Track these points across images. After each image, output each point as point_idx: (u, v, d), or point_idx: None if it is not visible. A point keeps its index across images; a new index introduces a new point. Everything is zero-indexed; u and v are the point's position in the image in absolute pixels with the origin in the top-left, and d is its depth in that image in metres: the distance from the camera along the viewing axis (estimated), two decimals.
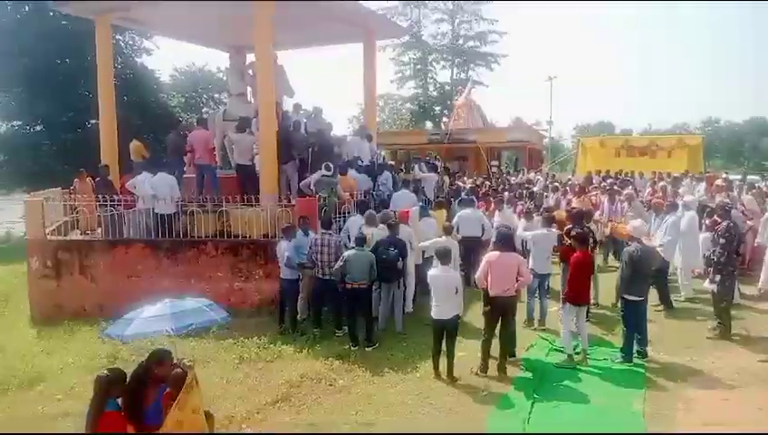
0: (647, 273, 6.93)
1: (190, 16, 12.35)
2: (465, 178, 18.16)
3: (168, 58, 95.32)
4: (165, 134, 13.26)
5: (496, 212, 10.84)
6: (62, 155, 21.94)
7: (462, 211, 10.21)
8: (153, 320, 5.04)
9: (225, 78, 18.69)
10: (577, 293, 6.83)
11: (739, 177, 18.23)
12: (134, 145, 12.28)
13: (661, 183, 14.15)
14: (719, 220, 7.97)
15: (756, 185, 14.88)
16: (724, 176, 15.30)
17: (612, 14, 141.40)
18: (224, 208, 9.90)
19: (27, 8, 22.74)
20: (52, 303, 9.98)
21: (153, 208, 9.93)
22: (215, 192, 10.81)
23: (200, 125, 12.17)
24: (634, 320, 6.85)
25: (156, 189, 9.92)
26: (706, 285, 7.73)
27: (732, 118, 72.86)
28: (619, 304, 7.26)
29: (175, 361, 4.33)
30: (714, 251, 7.54)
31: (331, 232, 8.33)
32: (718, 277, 7.43)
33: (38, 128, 23.94)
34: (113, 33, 14.25)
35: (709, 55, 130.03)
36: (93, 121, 20.58)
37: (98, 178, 11.27)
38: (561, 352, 7.16)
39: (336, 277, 7.70)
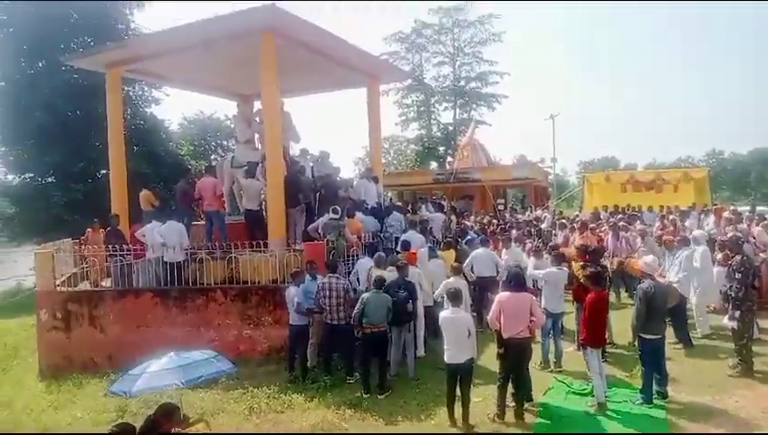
0: (662, 310, 6.79)
1: (199, 67, 12.70)
2: (473, 217, 18.10)
3: (178, 107, 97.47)
4: (174, 182, 13.40)
5: (504, 250, 10.79)
6: (73, 205, 22.15)
7: (476, 251, 10.16)
8: (162, 373, 4.96)
9: (232, 125, 19.02)
10: (595, 335, 6.70)
11: (747, 208, 18.06)
12: (143, 194, 12.42)
13: (671, 216, 14.06)
14: (731, 254, 7.87)
15: (766, 217, 14.74)
16: (732, 208, 15.18)
17: (610, 49, 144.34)
18: (233, 255, 9.90)
19: (41, 64, 23.46)
20: (62, 355, 9.90)
21: (162, 257, 9.96)
22: (222, 238, 10.86)
23: (208, 173, 12.34)
24: (652, 359, 6.67)
25: (165, 238, 9.96)
26: (725, 321, 7.54)
27: (736, 149, 73.05)
28: (636, 344, 7.09)
29: (182, 416, 4.28)
30: (731, 286, 7.39)
31: (337, 275, 8.26)
32: (738, 313, 7.28)
33: (49, 179, 24.24)
34: (123, 85, 14.62)
35: (711, 87, 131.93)
36: (104, 172, 20.92)
37: (108, 229, 11.36)
38: (580, 395, 6.97)
39: (355, 321, 7.55)
